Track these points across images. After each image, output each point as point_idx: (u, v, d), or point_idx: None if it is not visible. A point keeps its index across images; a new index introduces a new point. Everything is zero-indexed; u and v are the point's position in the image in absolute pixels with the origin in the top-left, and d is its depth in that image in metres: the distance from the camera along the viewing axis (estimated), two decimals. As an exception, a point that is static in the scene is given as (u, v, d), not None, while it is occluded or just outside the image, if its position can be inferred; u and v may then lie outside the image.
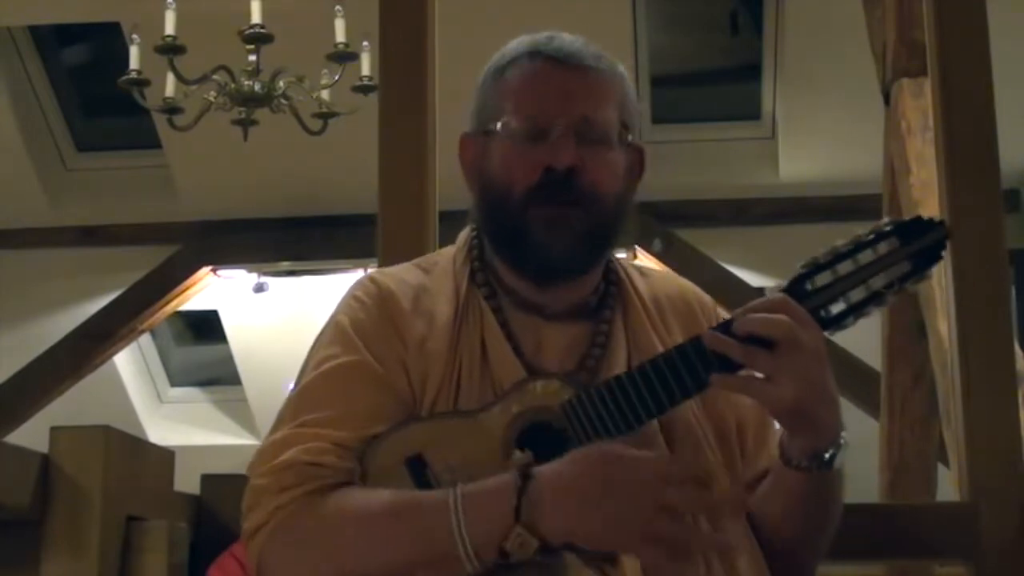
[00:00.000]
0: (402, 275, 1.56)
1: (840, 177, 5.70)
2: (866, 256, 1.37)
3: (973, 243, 2.09)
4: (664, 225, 6.03)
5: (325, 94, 4.44)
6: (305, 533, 1.36)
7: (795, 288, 1.38)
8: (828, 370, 1.36)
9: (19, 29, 6.10)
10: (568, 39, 1.53)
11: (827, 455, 1.39)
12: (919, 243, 1.37)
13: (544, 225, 1.46)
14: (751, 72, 6.15)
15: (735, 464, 1.51)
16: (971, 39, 2.18)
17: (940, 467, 3.21)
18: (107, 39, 6.10)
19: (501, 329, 1.48)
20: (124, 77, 4.23)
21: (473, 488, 1.32)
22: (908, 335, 3.26)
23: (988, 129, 2.14)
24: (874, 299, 1.37)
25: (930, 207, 2.81)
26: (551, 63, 1.49)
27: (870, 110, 3.70)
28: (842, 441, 1.39)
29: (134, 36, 4.27)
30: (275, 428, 1.44)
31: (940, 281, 2.21)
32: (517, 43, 1.54)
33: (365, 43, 4.27)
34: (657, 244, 6.01)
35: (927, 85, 2.41)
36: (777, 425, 1.48)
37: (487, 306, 1.50)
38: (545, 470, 1.31)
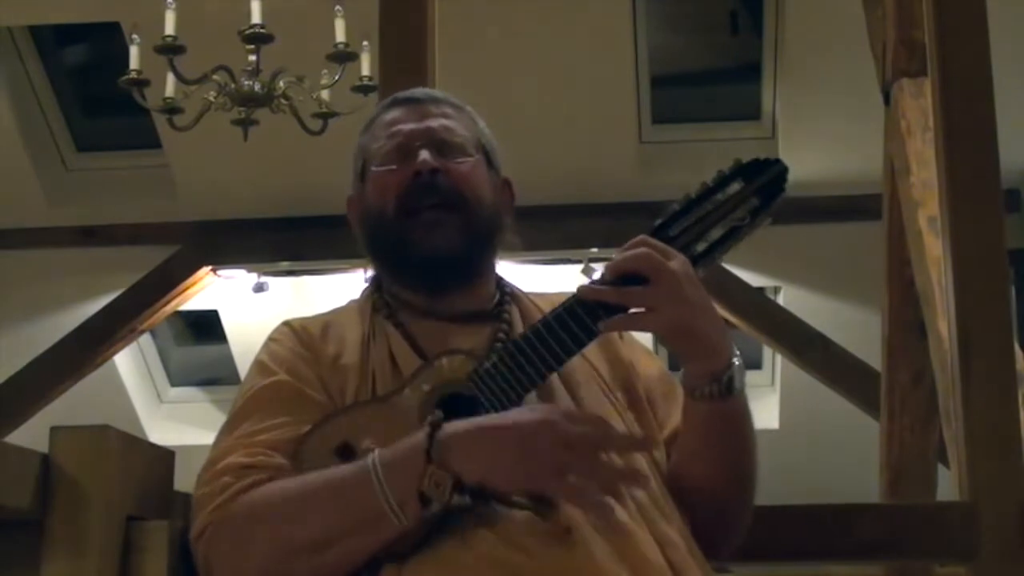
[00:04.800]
0: (312, 317, 1.69)
1: (840, 177, 5.69)
2: (718, 198, 1.54)
3: (973, 243, 2.09)
4: (664, 225, 6.02)
5: (325, 94, 4.44)
6: (239, 525, 1.44)
7: (658, 235, 1.51)
8: (702, 290, 1.47)
9: (19, 29, 6.09)
10: (420, 88, 1.78)
11: (725, 377, 1.48)
12: (762, 179, 1.55)
13: (420, 226, 1.60)
14: (751, 72, 6.14)
15: (651, 429, 1.60)
16: (971, 39, 2.18)
17: (940, 467, 3.21)
18: (107, 39, 6.09)
19: (406, 341, 1.59)
20: (124, 77, 4.23)
21: (388, 450, 1.41)
22: (908, 335, 3.26)
23: (988, 129, 2.14)
24: (732, 234, 1.52)
25: (930, 207, 2.81)
26: (406, 102, 1.70)
27: (870, 110, 3.69)
28: (736, 362, 1.49)
29: (134, 36, 4.26)
30: (212, 449, 1.54)
31: (940, 281, 2.21)
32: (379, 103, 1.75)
33: (365, 43, 4.27)
34: (657, 244, 6.00)
35: (927, 85, 2.42)
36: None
37: (390, 325, 1.61)
38: (454, 421, 1.41)
